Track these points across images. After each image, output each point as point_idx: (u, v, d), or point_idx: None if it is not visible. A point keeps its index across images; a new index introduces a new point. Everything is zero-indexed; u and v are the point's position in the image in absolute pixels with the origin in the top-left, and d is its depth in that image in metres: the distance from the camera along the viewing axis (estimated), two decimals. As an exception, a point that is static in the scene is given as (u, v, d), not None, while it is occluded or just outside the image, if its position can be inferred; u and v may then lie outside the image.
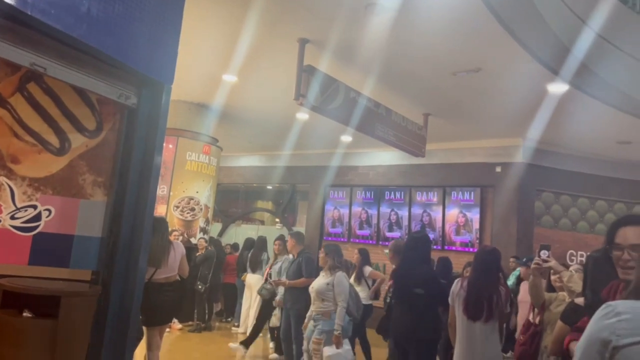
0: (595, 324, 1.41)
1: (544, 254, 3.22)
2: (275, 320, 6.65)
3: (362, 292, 6.20)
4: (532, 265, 3.29)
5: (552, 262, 3.27)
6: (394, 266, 4.76)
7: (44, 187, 2.75)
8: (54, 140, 2.79)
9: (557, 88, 6.24)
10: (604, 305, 1.40)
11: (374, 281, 6.64)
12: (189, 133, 8.72)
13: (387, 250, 6.80)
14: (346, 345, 4.59)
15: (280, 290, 6.18)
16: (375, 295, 6.53)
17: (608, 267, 1.84)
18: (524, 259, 6.75)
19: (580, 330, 1.88)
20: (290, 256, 6.22)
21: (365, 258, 6.83)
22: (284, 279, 5.90)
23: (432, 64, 6.01)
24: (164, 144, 6.03)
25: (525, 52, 5.39)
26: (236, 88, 7.41)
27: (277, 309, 6.51)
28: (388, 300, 5.25)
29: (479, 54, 5.66)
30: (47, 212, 2.73)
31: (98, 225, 2.99)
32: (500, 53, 5.56)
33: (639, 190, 9.49)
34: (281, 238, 6.77)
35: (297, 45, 5.62)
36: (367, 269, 6.72)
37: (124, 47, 2.72)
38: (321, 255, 4.97)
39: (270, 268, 6.74)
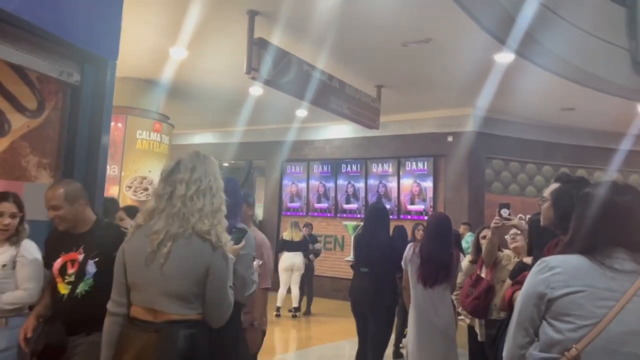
0: (532, 279, 1.50)
1: (504, 212, 3.11)
2: None
3: None
4: (492, 224, 3.23)
5: (515, 221, 3.18)
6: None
7: (-17, 171, 2.62)
8: (-9, 121, 2.66)
9: (504, 57, 6.40)
10: (538, 262, 1.49)
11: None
12: (138, 111, 8.45)
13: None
14: None
15: None
16: None
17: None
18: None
19: (520, 283, 2.00)
20: None
21: None
22: None
23: (383, 35, 6.03)
24: (112, 123, 5.83)
25: (473, 22, 5.48)
26: (186, 62, 7.21)
27: None
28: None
29: (428, 25, 5.71)
30: (-11, 197, 2.61)
31: (45, 209, 2.88)
32: (449, 23, 5.63)
33: (582, 155, 9.95)
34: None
35: (246, 17, 5.51)
36: None
37: (62, 21, 2.60)
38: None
39: None
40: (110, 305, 2.01)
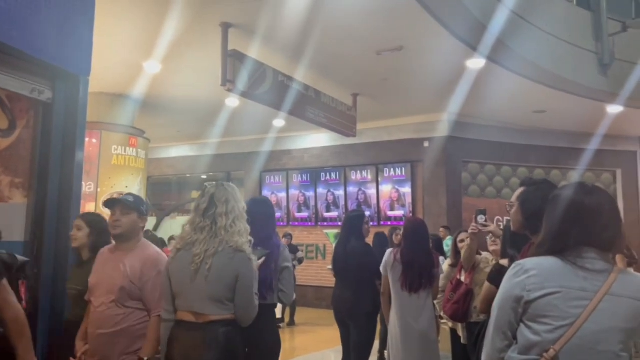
0: (507, 283, 1.52)
1: (481, 218, 3.17)
2: None
3: None
4: (470, 230, 3.30)
5: (492, 227, 3.26)
6: None
7: (-47, 193, 2.56)
8: (-40, 142, 2.61)
9: (475, 63, 6.52)
10: (513, 265, 1.52)
11: None
12: (113, 126, 8.33)
13: None
14: None
15: None
16: None
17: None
18: None
19: None
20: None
21: None
22: None
23: (356, 44, 6.08)
24: (87, 139, 5.73)
25: (444, 30, 5.58)
26: (160, 76, 7.15)
27: None
28: None
29: (400, 33, 5.79)
30: (-41, 220, 2.54)
31: (20, 229, 2.83)
32: (421, 31, 5.71)
33: (555, 156, 10.16)
34: None
35: (220, 30, 5.51)
36: None
37: (32, 38, 2.56)
38: None
39: None
40: (163, 314, 2.41)
